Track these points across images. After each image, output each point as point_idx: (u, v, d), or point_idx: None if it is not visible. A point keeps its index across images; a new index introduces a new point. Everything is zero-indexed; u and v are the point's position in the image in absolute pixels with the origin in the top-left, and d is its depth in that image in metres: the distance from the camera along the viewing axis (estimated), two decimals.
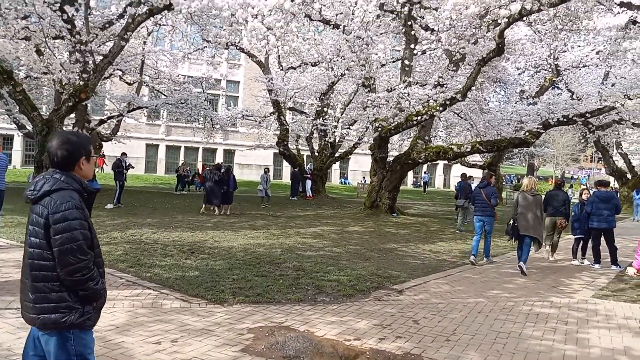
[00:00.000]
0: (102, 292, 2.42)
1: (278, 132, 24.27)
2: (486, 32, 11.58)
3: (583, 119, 15.33)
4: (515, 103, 20.24)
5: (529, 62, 22.87)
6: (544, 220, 9.22)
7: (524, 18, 11.87)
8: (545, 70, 23.92)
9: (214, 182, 14.94)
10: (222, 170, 15.56)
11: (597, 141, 26.53)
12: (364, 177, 34.82)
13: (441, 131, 27.78)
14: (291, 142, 26.58)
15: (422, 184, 39.89)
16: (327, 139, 24.56)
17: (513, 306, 6.00)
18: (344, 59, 15.91)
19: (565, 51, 21.16)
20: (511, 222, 8.53)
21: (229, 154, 37.48)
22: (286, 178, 34.01)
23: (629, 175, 29.02)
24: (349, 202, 22.76)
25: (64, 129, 17.28)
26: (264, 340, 4.40)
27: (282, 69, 21.66)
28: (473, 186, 13.12)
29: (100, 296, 2.42)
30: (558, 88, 23.64)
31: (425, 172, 42.30)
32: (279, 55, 21.25)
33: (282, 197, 24.01)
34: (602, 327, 5.27)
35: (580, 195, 9.94)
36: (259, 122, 25.63)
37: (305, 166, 26.78)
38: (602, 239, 9.27)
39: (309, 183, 24.86)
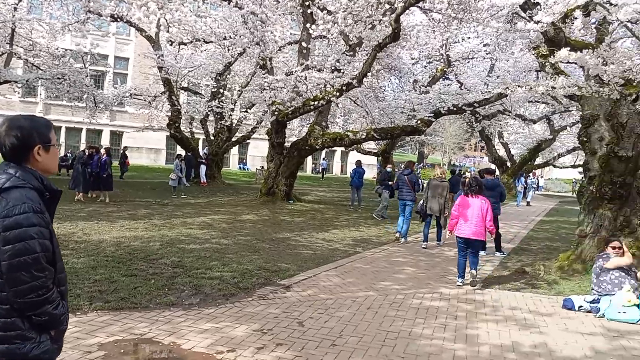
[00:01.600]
0: (62, 318, 1.96)
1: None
2: (382, 17, 11.39)
3: (471, 108, 15.91)
4: (409, 92, 20.68)
5: (422, 52, 23.58)
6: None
7: (420, 3, 11.86)
8: (437, 61, 24.84)
9: (80, 166, 13.47)
10: (86, 153, 14.03)
11: (481, 131, 28.12)
12: (262, 166, 34.16)
13: (339, 118, 27.84)
14: (185, 124, 25.12)
15: (321, 170, 40.06)
16: (223, 122, 23.46)
17: (403, 299, 5.77)
18: (239, 37, 15.09)
19: (456, 42, 22.02)
20: (421, 202, 10.02)
21: (116, 136, 34.78)
22: None
23: (508, 164, 31.23)
24: (246, 189, 21.98)
25: None
26: None
27: (171, 44, 20.15)
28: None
29: (59, 323, 1.96)
30: (448, 79, 24.60)
31: (323, 159, 42.57)
32: (168, 30, 19.67)
33: None
34: (490, 319, 5.17)
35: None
36: (149, 102, 23.86)
37: (200, 150, 25.52)
38: None
39: (203, 168, 23.65)
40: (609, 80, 6.08)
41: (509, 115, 21.06)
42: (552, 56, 5.58)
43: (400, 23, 11.55)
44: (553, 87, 6.08)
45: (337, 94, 14.10)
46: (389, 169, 17.49)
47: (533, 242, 11.46)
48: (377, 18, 10.97)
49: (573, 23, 7.98)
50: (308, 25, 13.13)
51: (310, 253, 8.34)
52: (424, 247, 9.56)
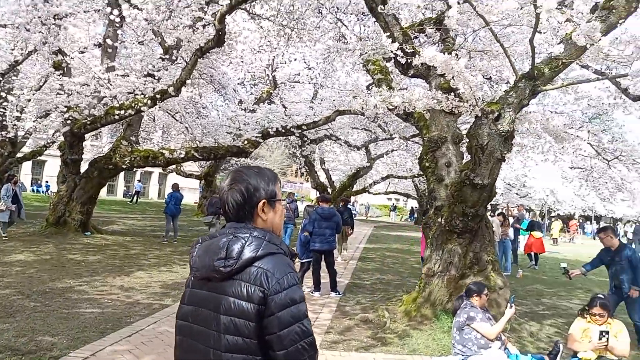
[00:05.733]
0: None
1: None
2: (204, 15, 9.70)
3: (300, 130, 14.99)
4: (234, 111, 19.23)
5: (248, 72, 22.55)
6: None
7: (248, 6, 10.47)
8: (263, 83, 24.00)
9: None
10: None
11: (306, 156, 28.03)
12: (47, 182, 28.78)
13: (155, 134, 25.03)
14: None
15: (134, 194, 35.74)
16: (5, 133, 18.98)
17: None
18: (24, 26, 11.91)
19: (283, 63, 21.34)
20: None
21: None
22: None
23: (329, 190, 31.68)
24: (32, 217, 17.82)
25: None
26: None
27: None
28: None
29: None
30: (273, 102, 23.87)
31: (138, 181, 38.51)
32: None
33: None
34: None
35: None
36: None
37: None
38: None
39: None
40: (467, 95, 5.27)
41: (335, 140, 20.95)
42: (416, 57, 4.52)
43: (225, 25, 9.95)
44: (409, 100, 5.05)
45: (150, 103, 11.88)
46: (216, 196, 15.60)
47: (365, 276, 10.64)
48: (195, 13, 9.24)
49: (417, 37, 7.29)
50: (113, 15, 10.76)
51: (96, 312, 6.02)
52: None
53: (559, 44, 4.37)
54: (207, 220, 13.35)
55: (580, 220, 39.21)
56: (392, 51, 4.86)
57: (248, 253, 1.54)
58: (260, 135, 14.88)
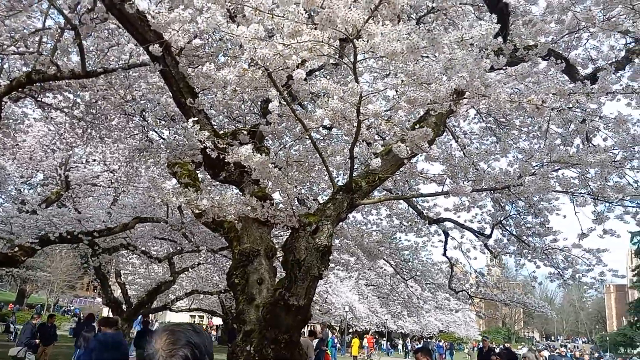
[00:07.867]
0: None
1: None
2: None
3: (90, 238, 13.03)
4: (9, 211, 16.23)
5: (37, 170, 19.89)
6: None
7: (34, 90, 9.02)
8: (54, 184, 21.25)
9: None
10: None
11: (98, 268, 24.81)
12: None
13: None
14: None
15: None
16: None
17: None
18: None
19: (80, 163, 19.23)
20: None
21: None
22: None
23: (124, 306, 28.16)
24: None
25: None
26: None
27: None
28: None
29: None
30: (64, 205, 21.12)
31: None
32: None
33: None
34: None
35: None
36: None
37: None
38: None
39: None
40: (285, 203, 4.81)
41: (133, 250, 18.90)
42: (229, 154, 3.93)
43: (2, 109, 8.31)
44: (220, 204, 4.37)
45: None
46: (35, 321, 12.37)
47: None
48: None
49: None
50: None
51: None
52: None
53: (375, 158, 4.24)
54: (14, 352, 10.12)
55: (376, 337, 41.38)
56: (201, 141, 4.22)
57: None
58: (38, 241, 12.48)
